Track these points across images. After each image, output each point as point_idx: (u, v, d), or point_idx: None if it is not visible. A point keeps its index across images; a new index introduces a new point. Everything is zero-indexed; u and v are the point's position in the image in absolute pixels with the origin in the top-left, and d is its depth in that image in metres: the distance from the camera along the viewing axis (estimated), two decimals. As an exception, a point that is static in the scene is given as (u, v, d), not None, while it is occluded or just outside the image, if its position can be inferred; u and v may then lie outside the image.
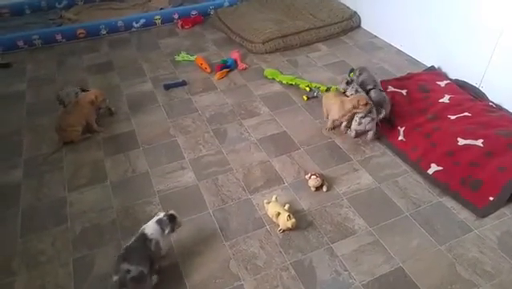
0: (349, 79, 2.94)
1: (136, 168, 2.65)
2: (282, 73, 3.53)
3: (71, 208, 2.38)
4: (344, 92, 2.92)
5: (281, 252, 2.10)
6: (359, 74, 3.05)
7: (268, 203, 2.27)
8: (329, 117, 2.84)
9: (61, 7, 4.84)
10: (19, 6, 4.70)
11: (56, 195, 2.47)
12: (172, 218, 1.97)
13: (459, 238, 2.14)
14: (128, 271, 1.77)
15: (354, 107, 2.65)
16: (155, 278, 1.93)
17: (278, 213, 2.17)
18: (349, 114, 2.71)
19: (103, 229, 2.25)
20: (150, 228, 1.94)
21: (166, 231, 1.94)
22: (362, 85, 2.92)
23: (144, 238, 1.90)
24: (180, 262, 2.07)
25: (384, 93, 2.87)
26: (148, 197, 2.44)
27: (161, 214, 1.98)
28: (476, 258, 2.04)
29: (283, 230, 2.19)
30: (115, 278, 1.78)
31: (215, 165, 2.65)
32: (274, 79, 3.47)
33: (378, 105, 2.75)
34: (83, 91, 3.04)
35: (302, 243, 2.14)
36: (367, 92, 2.86)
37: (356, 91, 2.83)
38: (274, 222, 2.22)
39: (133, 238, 1.93)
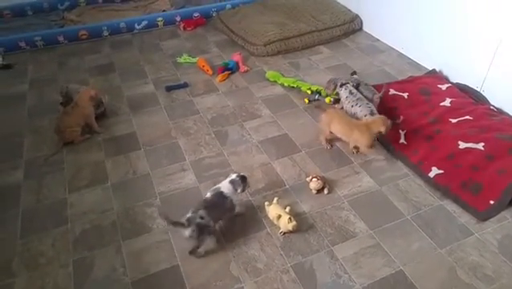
0: (343, 81, 2.97)
1: (137, 169, 2.65)
2: (283, 75, 3.53)
3: (71, 209, 2.38)
4: (338, 100, 2.96)
5: (281, 254, 2.10)
6: (335, 87, 3.04)
7: (269, 205, 2.27)
8: (360, 145, 2.60)
9: (63, 8, 4.85)
10: (21, 7, 4.71)
11: (56, 196, 2.47)
12: (243, 179, 2.19)
13: (460, 242, 2.14)
14: (202, 218, 1.99)
15: (387, 129, 2.52)
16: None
17: (279, 216, 2.17)
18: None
19: (103, 231, 2.25)
20: (225, 187, 2.16)
21: (239, 190, 2.17)
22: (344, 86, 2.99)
23: (221, 195, 2.13)
24: (181, 265, 2.06)
25: (369, 85, 3.04)
26: (148, 198, 2.44)
27: (233, 175, 2.19)
28: (476, 262, 2.04)
29: (284, 233, 2.19)
30: (188, 215, 2.00)
31: (216, 167, 2.65)
32: (275, 81, 3.48)
33: (370, 100, 2.86)
34: None
35: (303, 246, 2.14)
36: (357, 88, 2.94)
37: (350, 93, 2.85)
38: (275, 225, 2.22)
39: (210, 194, 2.14)
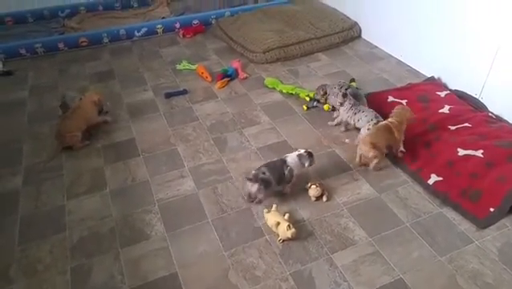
0: (344, 91, 2.95)
1: (136, 176, 2.65)
2: (282, 82, 3.54)
3: (69, 216, 2.38)
4: (340, 105, 2.95)
5: (280, 262, 2.09)
6: (325, 92, 3.14)
7: (268, 212, 2.26)
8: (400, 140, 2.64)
9: (63, 16, 4.88)
10: (22, 15, 4.74)
11: (55, 203, 2.46)
12: (310, 155, 2.41)
13: (460, 250, 2.13)
14: (264, 173, 2.29)
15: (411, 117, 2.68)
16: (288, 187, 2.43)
17: (278, 223, 2.16)
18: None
19: (101, 238, 2.24)
20: (291, 158, 2.38)
21: (306, 164, 2.39)
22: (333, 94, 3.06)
23: (283, 162, 2.37)
24: (179, 272, 2.05)
25: (358, 88, 3.18)
26: (147, 205, 2.43)
27: (302, 150, 2.42)
28: (476, 270, 2.03)
29: (283, 240, 2.18)
30: (253, 172, 2.32)
31: (215, 174, 2.64)
32: (274, 88, 3.48)
33: (355, 97, 2.93)
34: None
35: (302, 253, 2.13)
36: (346, 89, 2.99)
37: (353, 103, 2.86)
38: (274, 232, 2.21)
39: (276, 159, 2.42)
